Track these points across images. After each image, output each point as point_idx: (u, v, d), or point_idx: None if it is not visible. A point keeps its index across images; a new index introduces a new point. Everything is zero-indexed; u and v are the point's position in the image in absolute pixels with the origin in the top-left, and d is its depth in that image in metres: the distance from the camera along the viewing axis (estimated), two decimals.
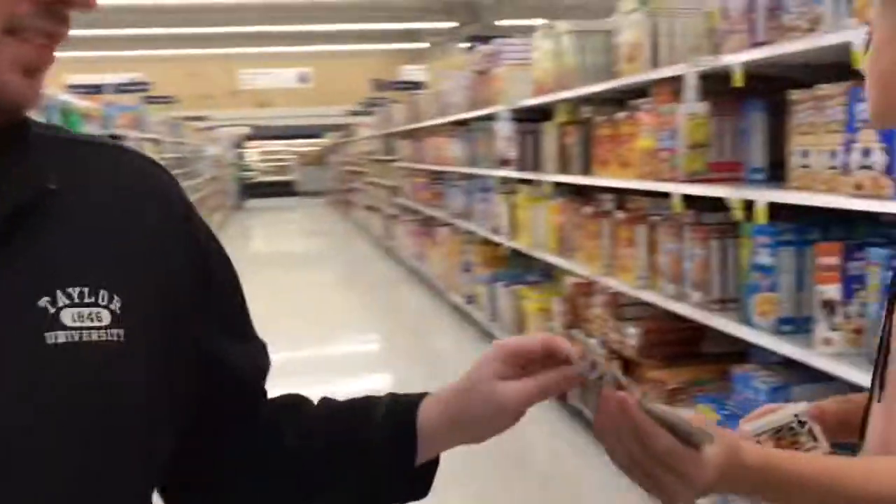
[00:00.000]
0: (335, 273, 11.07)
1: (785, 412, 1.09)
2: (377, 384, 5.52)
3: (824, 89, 2.34)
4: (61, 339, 0.66)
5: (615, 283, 3.79)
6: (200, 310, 0.78)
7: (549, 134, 4.79)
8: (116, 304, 0.69)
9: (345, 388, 5.31)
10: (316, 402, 0.88)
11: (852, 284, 2.28)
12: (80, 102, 6.50)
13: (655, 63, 3.45)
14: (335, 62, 26.18)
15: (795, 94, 2.53)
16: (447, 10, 18.61)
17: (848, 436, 1.17)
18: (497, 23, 16.66)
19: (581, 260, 4.27)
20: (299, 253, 14.30)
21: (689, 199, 3.11)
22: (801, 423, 1.07)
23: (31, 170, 0.70)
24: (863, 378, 2.17)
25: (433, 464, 0.83)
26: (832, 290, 2.32)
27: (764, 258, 2.62)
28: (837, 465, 0.93)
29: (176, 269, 0.76)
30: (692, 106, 2.81)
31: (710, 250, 3.01)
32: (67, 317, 0.67)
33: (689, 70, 2.82)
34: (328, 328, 7.28)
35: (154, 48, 23.62)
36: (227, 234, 16.66)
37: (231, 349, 0.82)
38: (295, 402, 0.88)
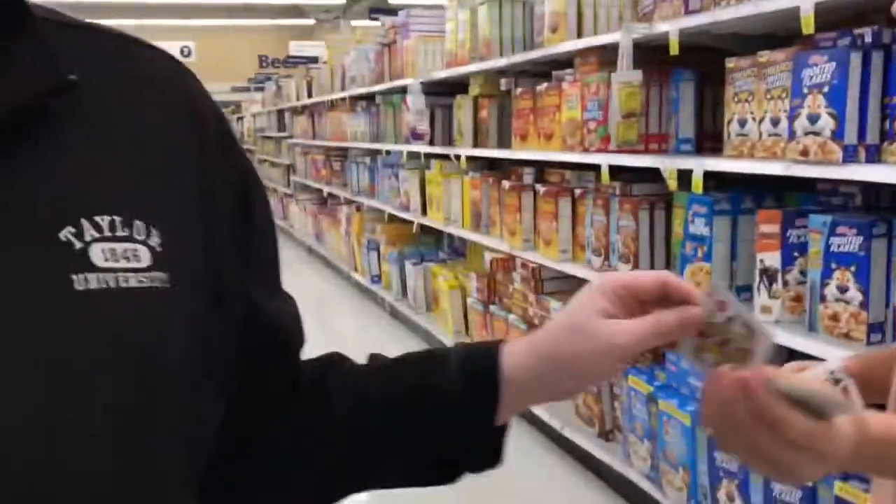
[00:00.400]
0: None
1: (818, 371, 1.02)
2: None
3: (766, 55, 2.32)
4: (93, 285, 0.49)
5: (537, 258, 3.74)
6: (241, 251, 0.62)
7: (463, 107, 4.69)
8: (156, 240, 0.53)
9: None
10: (364, 361, 0.72)
11: (793, 252, 2.29)
12: None
13: (580, 33, 3.40)
14: (218, 37, 25.22)
15: (732, 62, 2.51)
16: None
17: (870, 395, 1.13)
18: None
19: (499, 235, 4.20)
20: None
21: (614, 171, 3.08)
22: (836, 381, 1.00)
23: (43, 57, 0.52)
24: (803, 344, 2.19)
25: (505, 428, 0.68)
26: (772, 258, 2.33)
27: (699, 228, 2.61)
28: None
29: (217, 197, 0.60)
30: (626, 74, 2.76)
31: (639, 222, 2.99)
32: (98, 254, 0.50)
33: (623, 38, 2.76)
34: None
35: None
36: None
37: (270, 300, 0.65)
38: (338, 360, 0.71)
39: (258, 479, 0.66)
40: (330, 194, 8.50)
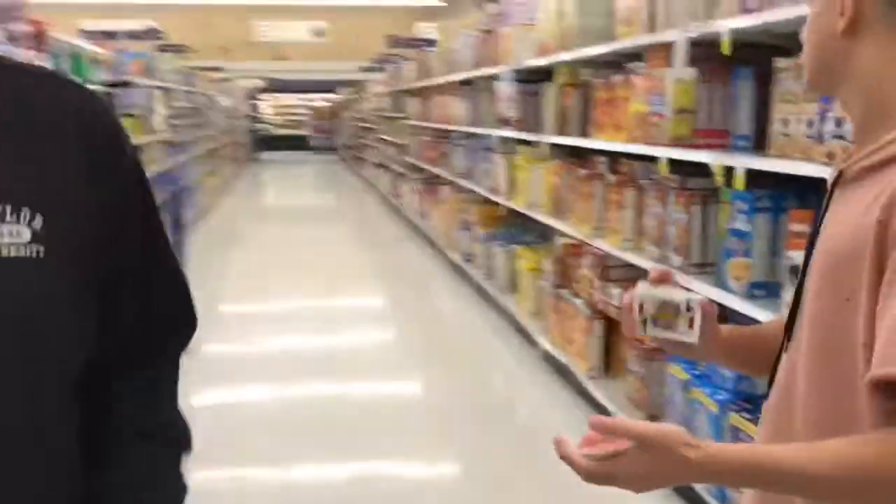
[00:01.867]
0: (342, 229, 11.13)
1: (680, 292, 1.14)
2: (376, 338, 5.62)
3: None
4: None
5: (603, 245, 3.85)
6: (118, 238, 0.83)
7: (550, 95, 4.81)
8: (38, 223, 0.74)
9: (346, 340, 5.48)
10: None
11: None
12: (91, 47, 6.53)
13: (652, 27, 3.46)
14: (350, 17, 25.95)
15: (780, 63, 2.55)
16: None
17: (731, 361, 1.26)
18: None
19: (573, 221, 4.32)
20: (309, 207, 14.38)
21: (676, 164, 3.15)
22: (688, 309, 1.12)
23: None
24: None
25: None
26: (800, 256, 2.37)
27: (740, 224, 2.67)
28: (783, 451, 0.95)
29: (98, 193, 0.80)
30: (680, 71, 2.83)
31: (691, 215, 3.06)
32: None
33: (679, 36, 2.84)
34: (332, 283, 7.38)
35: None
36: (239, 185, 16.74)
37: (134, 294, 0.87)
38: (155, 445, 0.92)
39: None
40: (436, 175, 8.77)
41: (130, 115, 7.10)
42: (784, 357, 1.09)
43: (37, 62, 4.55)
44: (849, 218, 0.98)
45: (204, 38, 26.12)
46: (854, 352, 0.94)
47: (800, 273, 1.09)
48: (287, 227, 11.81)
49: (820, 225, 1.06)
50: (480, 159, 6.48)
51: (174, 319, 0.94)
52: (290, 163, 23.20)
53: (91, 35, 11.20)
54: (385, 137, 13.38)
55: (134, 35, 11.89)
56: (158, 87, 8.43)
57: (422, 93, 9.64)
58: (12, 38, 4.20)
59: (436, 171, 8.64)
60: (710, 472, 0.94)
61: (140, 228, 0.87)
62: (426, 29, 15.28)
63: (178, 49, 14.27)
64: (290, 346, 5.41)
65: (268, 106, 28.17)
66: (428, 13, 21.28)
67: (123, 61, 7.24)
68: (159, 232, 0.91)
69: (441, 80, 8.11)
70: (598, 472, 0.94)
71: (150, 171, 7.70)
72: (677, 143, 2.99)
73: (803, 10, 2.40)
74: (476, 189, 6.60)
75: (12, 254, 0.72)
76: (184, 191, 8.47)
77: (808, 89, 1.18)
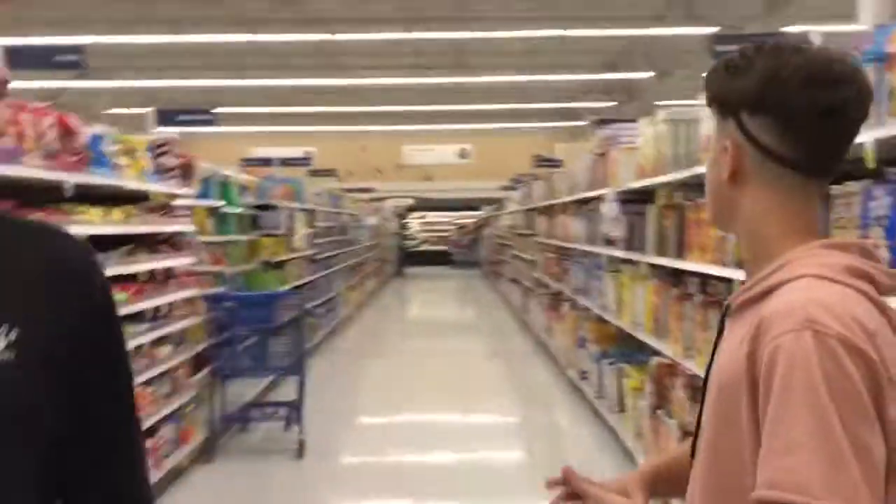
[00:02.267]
0: (475, 343, 11.34)
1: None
2: (499, 456, 5.75)
3: (848, 186, 2.40)
4: None
5: (693, 366, 3.83)
6: (83, 363, 1.04)
7: (650, 216, 4.91)
8: (12, 336, 0.95)
9: (473, 456, 5.65)
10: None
11: None
12: (239, 175, 7.30)
13: None
14: (494, 139, 27.07)
15: (835, 189, 2.58)
16: (606, 90, 18.92)
17: (669, 488, 1.32)
18: (656, 102, 16.77)
19: (670, 341, 4.32)
20: (445, 321, 14.76)
21: None
22: None
23: None
24: None
25: None
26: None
27: None
28: None
29: (65, 321, 1.01)
30: None
31: None
32: None
33: None
34: (462, 396, 7.59)
35: (328, 125, 25.45)
36: (382, 299, 17.46)
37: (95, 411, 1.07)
38: None
39: None
40: (559, 291, 8.89)
41: (272, 235, 7.78)
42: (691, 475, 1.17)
43: (185, 190, 5.19)
44: (730, 349, 1.07)
45: (358, 162, 28.01)
46: (740, 474, 1.02)
47: (701, 398, 1.17)
48: (424, 340, 12.19)
49: (714, 353, 1.16)
50: (594, 277, 6.57)
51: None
52: (433, 277, 23.95)
53: (251, 162, 12.50)
54: (518, 253, 13.68)
55: (287, 162, 13.13)
56: (301, 209, 9.16)
57: (548, 211, 9.91)
58: (162, 170, 4.85)
59: (558, 286, 8.76)
60: None
61: (106, 352, 1.09)
62: (563, 149, 15.73)
63: (327, 173, 15.48)
64: (423, 460, 5.69)
65: (416, 223, 29.43)
66: (572, 133, 21.87)
67: (269, 186, 7.99)
68: (126, 358, 1.13)
69: (564, 199, 8.35)
70: None
71: (289, 284, 8.31)
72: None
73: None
74: (590, 307, 6.66)
75: None
76: (306, 308, 8.99)
77: (713, 224, 1.31)
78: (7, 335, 0.96)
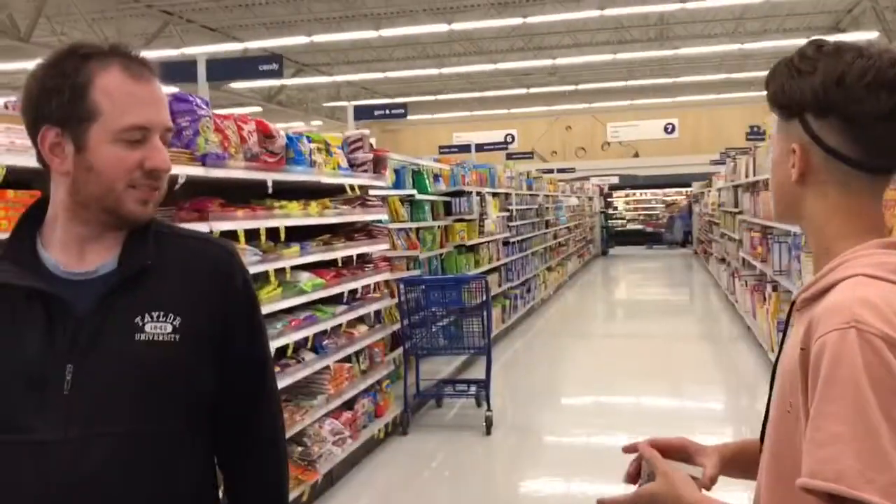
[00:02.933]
0: (680, 325, 11.04)
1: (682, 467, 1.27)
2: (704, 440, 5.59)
3: None
4: (142, 338, 1.28)
5: None
6: (228, 337, 1.37)
7: None
8: (177, 322, 1.30)
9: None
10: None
11: None
12: (430, 164, 7.63)
13: None
14: (702, 111, 25.87)
15: None
16: None
17: (740, 473, 1.34)
18: None
19: None
20: (650, 302, 14.43)
21: None
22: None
23: (146, 251, 1.32)
24: None
25: None
26: None
27: None
28: None
29: (216, 308, 1.36)
30: None
31: None
32: (148, 327, 1.29)
33: None
34: (663, 380, 7.48)
35: (529, 106, 25.57)
36: (585, 280, 17.38)
37: (233, 377, 1.40)
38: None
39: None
40: (762, 272, 8.45)
41: (464, 220, 8.07)
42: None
43: (378, 181, 5.55)
44: (791, 344, 1.11)
45: (562, 142, 27.94)
46: (796, 462, 1.05)
47: (770, 386, 1.20)
48: (626, 322, 12.05)
49: (782, 344, 1.18)
50: (794, 258, 6.21)
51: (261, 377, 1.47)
52: (640, 257, 23.41)
53: (449, 149, 12.96)
54: (726, 232, 13.09)
55: (483, 147, 13.40)
56: (493, 193, 9.38)
57: (752, 187, 9.41)
58: (356, 164, 5.22)
59: (762, 267, 8.33)
60: None
61: (245, 328, 1.42)
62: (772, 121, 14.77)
63: (523, 156, 15.60)
64: (618, 443, 5.64)
65: (621, 202, 28.89)
66: None
67: (461, 173, 8.27)
68: (261, 331, 1.47)
69: (766, 175, 7.90)
70: (630, 499, 1.22)
71: (483, 267, 8.58)
72: None
73: None
74: (791, 289, 6.30)
75: (160, 338, 1.29)
76: (500, 290, 9.17)
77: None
78: (173, 322, 1.29)
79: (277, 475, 1.47)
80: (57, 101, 1.23)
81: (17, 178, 2.53)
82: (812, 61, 1.10)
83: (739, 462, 1.32)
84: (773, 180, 1.21)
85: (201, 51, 13.73)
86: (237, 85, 19.02)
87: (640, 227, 27.75)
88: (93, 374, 1.23)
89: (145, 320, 1.27)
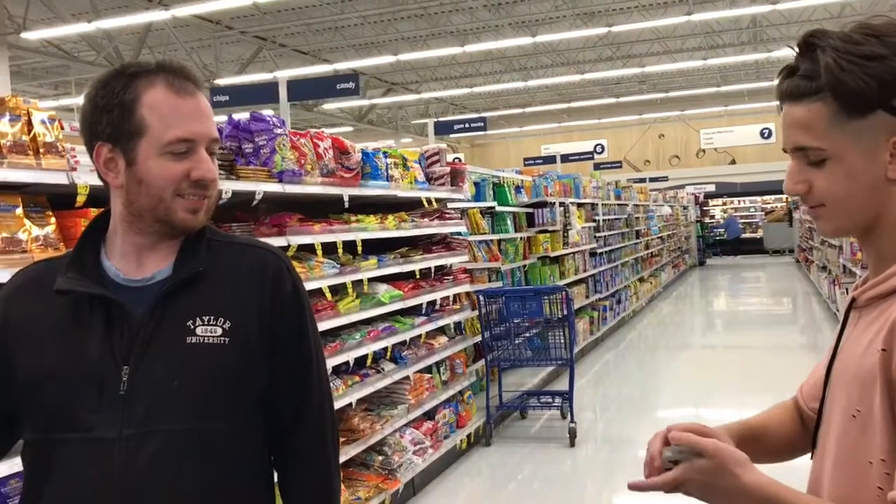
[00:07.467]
0: (779, 336, 10.63)
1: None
2: (797, 461, 5.39)
3: None
4: (193, 340, 1.35)
5: None
6: (277, 337, 1.43)
7: None
8: (227, 325, 1.36)
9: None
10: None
11: None
12: (512, 176, 7.65)
13: None
14: None
15: None
16: None
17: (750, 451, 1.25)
18: None
19: None
20: (749, 313, 13.91)
21: None
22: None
23: (198, 258, 1.40)
24: None
25: None
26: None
27: None
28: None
29: (264, 310, 1.41)
30: None
31: None
32: (199, 330, 1.35)
33: None
34: (761, 394, 7.20)
35: (619, 115, 25.22)
36: (680, 290, 16.93)
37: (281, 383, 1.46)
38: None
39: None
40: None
41: (547, 231, 8.04)
42: (811, 465, 1.14)
43: (456, 195, 5.62)
44: (861, 344, 1.04)
45: (654, 150, 27.43)
46: (861, 466, 1.00)
47: (822, 388, 1.14)
48: (723, 333, 11.66)
49: (838, 344, 1.12)
50: None
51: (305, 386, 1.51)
52: (739, 266, 22.63)
53: (534, 161, 12.93)
54: (826, 238, 12.54)
55: (568, 157, 13.25)
56: (577, 204, 9.30)
57: None
58: (433, 178, 5.30)
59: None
60: (755, 495, 1.01)
61: (294, 330, 1.46)
62: None
63: (611, 165, 15.39)
64: None
65: (718, 210, 28.08)
66: None
67: (543, 184, 8.25)
68: (309, 333, 1.50)
69: None
70: (670, 479, 1.10)
71: (568, 279, 8.51)
72: None
73: None
74: None
75: (210, 341, 1.36)
76: (587, 302, 9.04)
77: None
78: (223, 325, 1.36)
79: (323, 469, 1.50)
80: (108, 119, 1.31)
81: (97, 195, 2.69)
82: (876, 43, 1.00)
83: (749, 442, 1.25)
84: (846, 189, 1.05)
85: (293, 74, 14.25)
86: (329, 106, 19.57)
87: (741, 235, 26.83)
88: (146, 376, 1.31)
89: (196, 324, 1.34)
